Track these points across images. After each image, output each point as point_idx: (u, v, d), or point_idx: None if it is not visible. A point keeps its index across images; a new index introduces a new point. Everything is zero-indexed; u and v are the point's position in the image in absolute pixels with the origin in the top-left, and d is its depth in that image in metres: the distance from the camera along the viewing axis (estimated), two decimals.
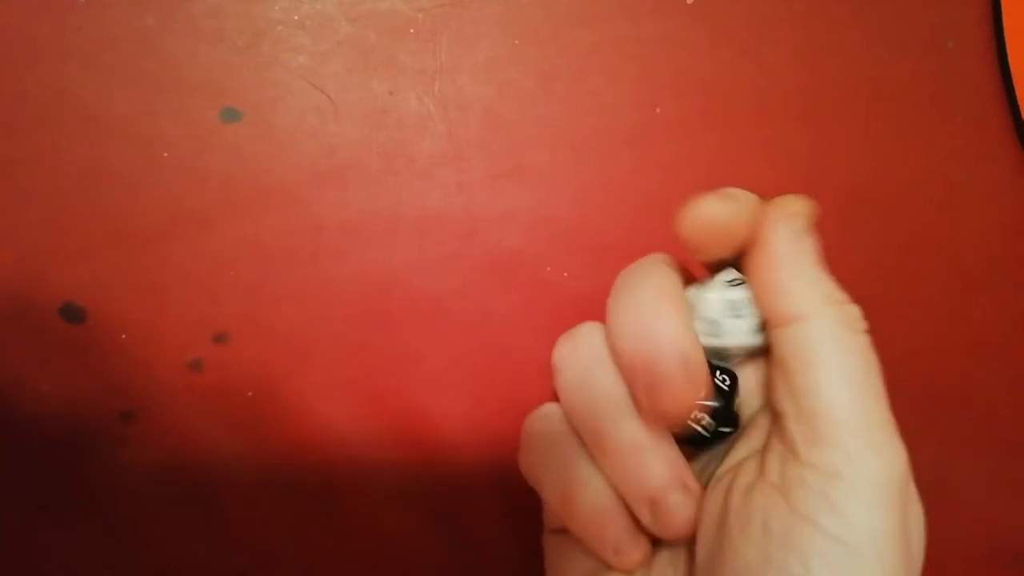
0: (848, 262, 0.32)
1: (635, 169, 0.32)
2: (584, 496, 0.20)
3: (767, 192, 0.30)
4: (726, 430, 0.20)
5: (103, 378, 0.29)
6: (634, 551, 0.20)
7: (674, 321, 0.18)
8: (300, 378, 0.30)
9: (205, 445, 0.29)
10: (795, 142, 0.32)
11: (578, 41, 0.32)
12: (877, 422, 0.16)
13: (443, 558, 0.30)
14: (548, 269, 0.31)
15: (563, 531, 0.22)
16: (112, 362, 0.29)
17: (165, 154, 0.30)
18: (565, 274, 0.31)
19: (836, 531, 0.15)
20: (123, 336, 0.29)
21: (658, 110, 0.32)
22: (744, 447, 0.19)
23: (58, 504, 0.29)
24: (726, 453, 0.20)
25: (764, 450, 0.18)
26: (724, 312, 0.19)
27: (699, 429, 0.19)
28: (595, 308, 0.21)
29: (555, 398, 0.21)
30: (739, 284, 0.19)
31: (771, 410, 0.18)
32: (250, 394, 0.30)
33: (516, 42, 0.31)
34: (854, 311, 0.18)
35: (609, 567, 0.21)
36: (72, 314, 0.29)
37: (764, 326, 0.19)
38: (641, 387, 0.18)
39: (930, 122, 0.33)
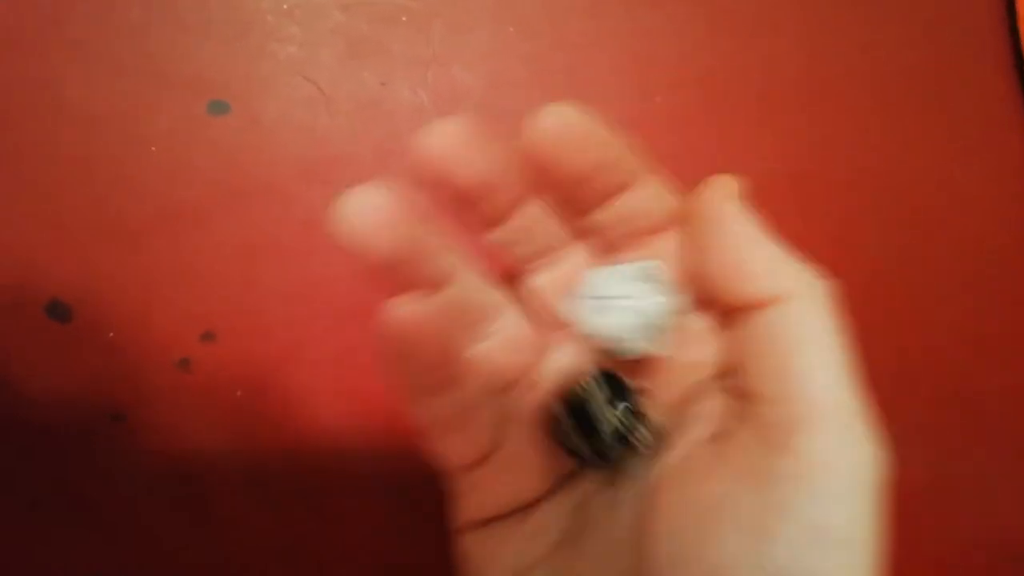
0: (850, 255, 0.31)
1: None
2: None
3: (776, 183, 0.29)
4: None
5: (91, 378, 0.29)
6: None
7: None
8: (290, 377, 0.29)
9: (195, 445, 0.29)
10: (797, 134, 0.31)
11: (575, 30, 0.31)
12: (861, 409, 0.16)
13: (433, 555, 0.30)
14: None
15: (487, 522, 0.20)
16: (100, 362, 0.29)
17: (153, 148, 0.29)
18: None
19: (820, 522, 0.15)
20: (111, 335, 0.29)
21: (658, 99, 0.31)
22: (682, 443, 0.18)
23: (47, 504, 0.29)
24: (654, 456, 0.19)
25: (721, 438, 0.17)
26: (640, 279, 0.18)
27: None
28: None
29: None
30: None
31: (736, 394, 0.17)
32: (239, 393, 0.29)
33: (511, 31, 0.30)
34: (828, 287, 0.17)
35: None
36: (59, 312, 0.29)
37: (688, 308, 0.18)
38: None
39: (936, 112, 0.32)
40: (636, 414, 0.18)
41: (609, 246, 0.19)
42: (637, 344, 0.18)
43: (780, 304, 0.16)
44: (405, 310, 0.16)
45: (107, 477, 0.29)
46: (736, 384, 0.17)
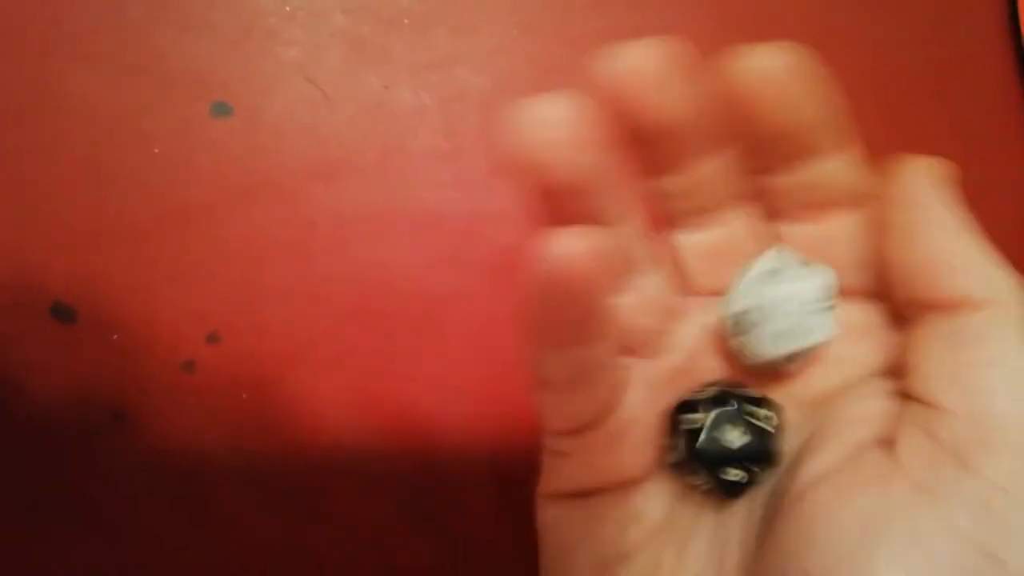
0: None
1: None
2: None
3: None
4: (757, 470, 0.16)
5: (95, 380, 0.29)
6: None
7: None
8: (294, 379, 0.29)
9: (198, 447, 0.29)
10: None
11: (579, 31, 0.31)
12: None
13: (436, 558, 0.30)
14: None
15: (582, 495, 0.18)
16: (104, 363, 0.29)
17: (156, 150, 0.29)
18: None
19: (995, 550, 0.13)
20: (115, 336, 0.29)
21: None
22: (835, 445, 0.16)
23: (47, 504, 0.29)
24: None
25: (890, 445, 0.15)
26: (814, 302, 0.16)
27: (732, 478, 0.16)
28: None
29: None
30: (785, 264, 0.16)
31: (905, 398, 0.15)
32: (244, 395, 0.29)
33: (515, 32, 0.30)
34: None
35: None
36: (63, 314, 0.29)
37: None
38: None
39: (940, 111, 0.32)
40: (764, 432, 0.16)
41: (779, 213, 0.17)
42: (780, 362, 0.16)
43: (977, 309, 0.15)
44: (571, 245, 0.13)
45: (108, 477, 0.29)
46: (906, 387, 0.15)
